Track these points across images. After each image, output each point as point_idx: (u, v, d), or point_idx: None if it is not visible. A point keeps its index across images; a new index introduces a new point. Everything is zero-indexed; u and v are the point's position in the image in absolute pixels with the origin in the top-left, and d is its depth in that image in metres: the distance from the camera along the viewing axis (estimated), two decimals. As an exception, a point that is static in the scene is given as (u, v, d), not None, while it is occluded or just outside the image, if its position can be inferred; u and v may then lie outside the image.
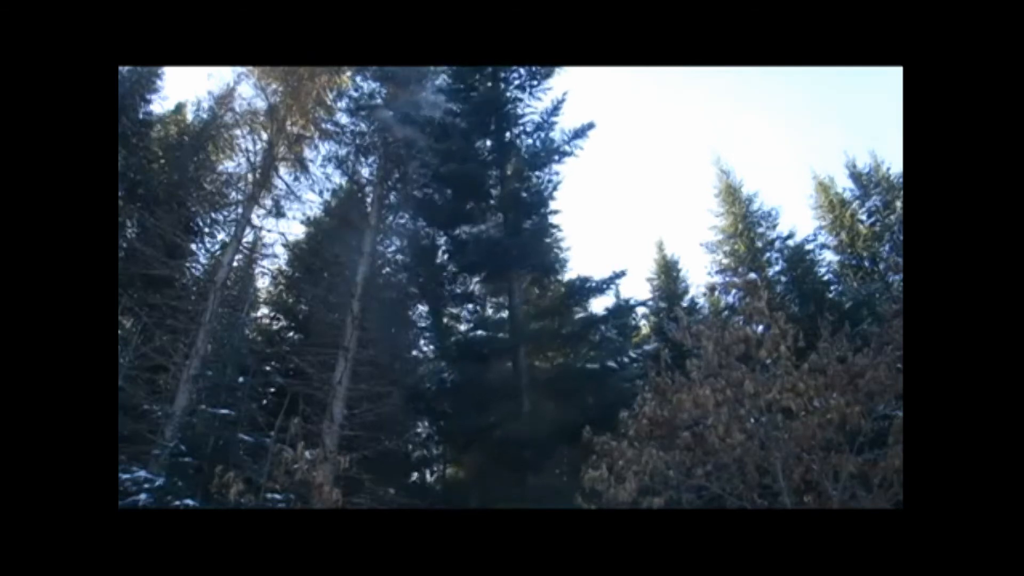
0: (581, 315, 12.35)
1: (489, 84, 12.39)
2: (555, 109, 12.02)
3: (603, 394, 10.01)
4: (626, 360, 11.09)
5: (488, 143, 12.56)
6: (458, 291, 12.66)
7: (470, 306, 13.18)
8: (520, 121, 12.39)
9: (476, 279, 12.47)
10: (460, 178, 12.01)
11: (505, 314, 11.98)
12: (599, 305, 13.39)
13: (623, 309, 12.53)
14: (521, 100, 12.41)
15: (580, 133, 11.78)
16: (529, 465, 9.03)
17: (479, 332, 12.44)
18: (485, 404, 10.09)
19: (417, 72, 13.98)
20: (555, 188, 12.09)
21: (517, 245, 11.18)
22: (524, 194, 11.73)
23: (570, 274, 13.73)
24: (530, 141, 12.36)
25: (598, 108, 41.87)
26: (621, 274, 11.27)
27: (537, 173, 12.19)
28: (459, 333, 13.12)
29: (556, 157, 11.96)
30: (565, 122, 12.61)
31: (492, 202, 12.23)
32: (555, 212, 12.37)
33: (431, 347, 14.27)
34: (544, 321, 11.64)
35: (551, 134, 12.11)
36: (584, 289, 11.60)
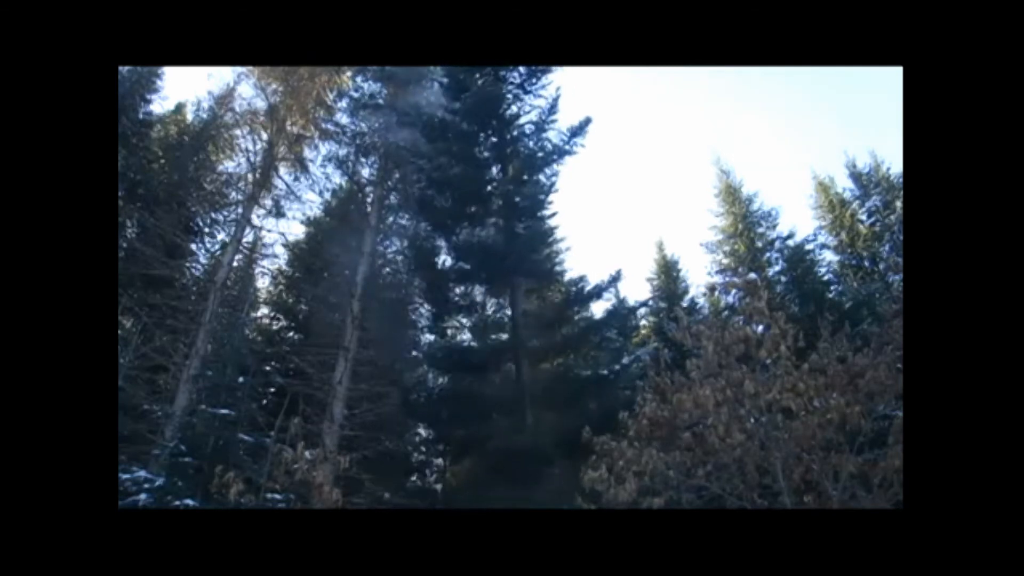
0: (581, 317, 12.32)
1: (488, 84, 12.35)
2: (552, 108, 11.97)
3: (604, 399, 9.96)
4: (623, 365, 11.05)
5: (487, 144, 12.53)
6: (458, 296, 12.61)
7: (471, 311, 13.15)
8: (519, 122, 12.35)
9: (475, 284, 12.41)
10: (459, 180, 11.97)
11: (506, 317, 11.95)
12: (599, 308, 13.40)
13: (623, 311, 12.50)
14: (521, 100, 12.38)
15: (579, 130, 11.70)
16: (530, 471, 9.00)
17: (476, 339, 12.40)
18: (486, 411, 10.05)
19: (417, 72, 14.00)
20: (550, 190, 12.04)
21: (514, 250, 11.11)
22: (518, 198, 11.62)
23: (570, 275, 13.75)
24: (529, 143, 12.32)
25: (598, 107, 41.97)
26: (617, 276, 11.23)
27: (537, 176, 12.14)
28: (457, 339, 13.08)
29: (556, 157, 11.90)
30: (563, 121, 12.57)
31: (493, 206, 12.17)
32: (553, 215, 12.34)
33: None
34: (544, 326, 11.60)
35: (549, 134, 12.07)
36: (583, 294, 11.57)
